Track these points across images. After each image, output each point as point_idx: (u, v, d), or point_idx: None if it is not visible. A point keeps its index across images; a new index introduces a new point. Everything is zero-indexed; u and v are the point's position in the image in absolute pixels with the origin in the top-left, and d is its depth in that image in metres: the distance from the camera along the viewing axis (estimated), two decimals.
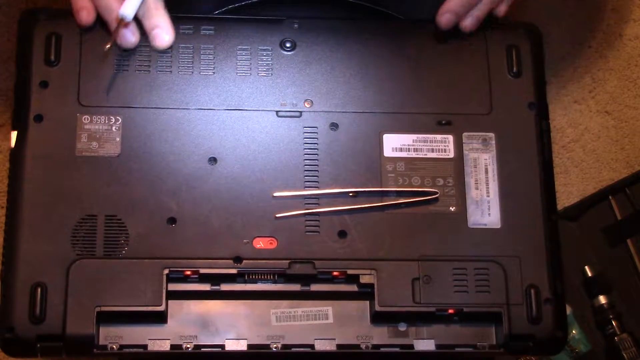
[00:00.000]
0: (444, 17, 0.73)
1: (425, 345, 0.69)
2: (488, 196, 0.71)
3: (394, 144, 0.72)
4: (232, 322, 0.69)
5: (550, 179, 0.73)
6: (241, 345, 0.68)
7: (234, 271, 0.68)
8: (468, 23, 0.74)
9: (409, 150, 0.72)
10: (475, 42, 0.74)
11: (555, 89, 1.13)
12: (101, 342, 0.67)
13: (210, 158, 0.70)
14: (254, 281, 0.69)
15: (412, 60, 0.74)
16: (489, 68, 0.74)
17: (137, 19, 0.70)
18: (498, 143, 0.72)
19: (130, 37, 0.71)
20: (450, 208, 0.71)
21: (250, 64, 0.72)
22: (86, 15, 0.70)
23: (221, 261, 0.68)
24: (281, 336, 0.68)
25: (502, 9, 0.76)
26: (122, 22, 0.69)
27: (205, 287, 0.68)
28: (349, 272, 0.69)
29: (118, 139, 0.70)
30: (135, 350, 0.67)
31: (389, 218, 0.70)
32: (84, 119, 0.70)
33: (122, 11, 0.68)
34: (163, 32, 0.71)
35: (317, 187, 0.70)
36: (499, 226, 0.71)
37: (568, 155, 1.14)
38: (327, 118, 0.72)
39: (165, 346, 0.67)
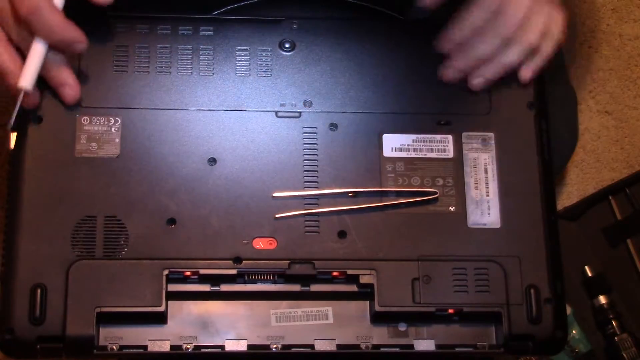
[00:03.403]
0: (448, 72, 0.73)
1: (425, 345, 0.69)
2: (488, 196, 0.71)
3: (394, 144, 0.72)
4: (232, 323, 0.69)
5: (550, 179, 0.73)
6: (241, 346, 0.68)
7: (233, 272, 0.68)
8: (476, 83, 0.73)
9: (408, 150, 0.72)
10: None
11: None
12: (101, 342, 0.67)
13: (209, 159, 0.70)
14: (254, 282, 0.69)
15: (411, 60, 0.74)
16: None
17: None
18: (497, 143, 0.72)
19: (35, 101, 0.69)
20: (450, 208, 0.71)
21: (250, 64, 0.72)
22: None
23: (221, 262, 0.68)
24: (281, 336, 0.68)
25: (525, 75, 0.74)
26: (24, 94, 0.66)
27: (205, 287, 0.68)
28: (349, 272, 0.69)
29: (117, 140, 0.70)
30: (135, 351, 0.67)
31: (388, 218, 0.70)
32: (83, 120, 0.70)
33: (22, 84, 0.66)
34: (69, 89, 0.69)
35: (317, 188, 0.70)
36: (498, 226, 0.71)
37: None
38: (326, 118, 0.72)
39: (165, 347, 0.67)
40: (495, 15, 0.71)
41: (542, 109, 0.74)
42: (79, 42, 0.67)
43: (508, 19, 0.71)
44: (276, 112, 0.72)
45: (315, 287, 0.69)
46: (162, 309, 0.67)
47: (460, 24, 0.72)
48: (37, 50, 0.66)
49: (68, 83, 0.69)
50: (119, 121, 0.70)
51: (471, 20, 0.72)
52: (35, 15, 0.64)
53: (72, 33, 0.66)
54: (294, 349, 0.68)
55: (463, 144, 0.72)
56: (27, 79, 0.66)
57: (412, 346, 0.69)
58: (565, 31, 0.75)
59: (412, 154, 0.72)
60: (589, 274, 1.09)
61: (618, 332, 1.05)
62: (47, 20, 0.65)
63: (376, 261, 0.69)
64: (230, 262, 0.68)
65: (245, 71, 0.72)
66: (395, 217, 0.70)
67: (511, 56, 0.72)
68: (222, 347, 0.68)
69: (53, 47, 0.67)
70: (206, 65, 0.72)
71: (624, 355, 1.04)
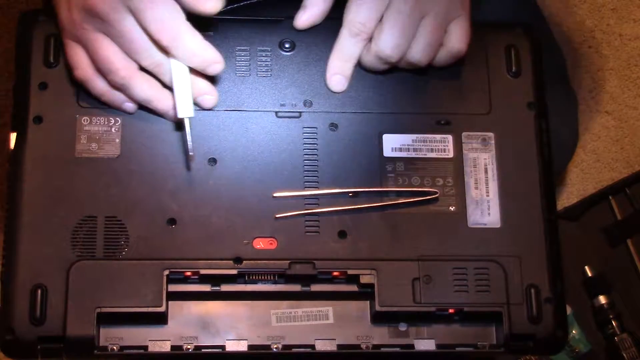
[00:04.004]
0: (333, 80, 0.72)
1: (425, 345, 0.69)
2: (488, 196, 0.71)
3: (394, 144, 0.72)
4: (232, 323, 0.69)
5: (550, 179, 0.73)
6: (242, 346, 0.68)
7: (234, 272, 0.68)
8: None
9: (408, 150, 0.72)
10: (474, 42, 0.74)
11: None
12: (102, 343, 0.67)
13: (210, 159, 0.70)
14: (254, 282, 0.69)
15: None
16: (488, 68, 0.74)
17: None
18: (497, 143, 0.72)
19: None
20: (450, 208, 0.71)
21: (250, 64, 0.72)
22: (132, 108, 0.70)
23: (221, 262, 0.68)
24: (281, 337, 0.68)
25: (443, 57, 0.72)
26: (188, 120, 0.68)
27: (206, 287, 0.68)
28: (349, 272, 0.68)
29: (117, 140, 0.70)
30: (135, 351, 0.67)
31: (388, 218, 0.70)
32: (84, 120, 0.70)
33: (183, 114, 0.67)
34: (208, 96, 0.70)
35: (317, 188, 0.70)
36: (498, 226, 0.71)
37: None
38: (326, 118, 0.72)
39: (165, 347, 0.67)
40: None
41: (542, 109, 0.74)
42: (218, 62, 0.67)
43: (381, 42, 0.69)
44: (276, 112, 0.72)
45: (315, 287, 0.69)
46: (162, 309, 0.67)
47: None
48: (183, 76, 0.67)
49: (206, 92, 0.70)
50: (119, 121, 0.70)
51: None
52: (178, 42, 0.66)
53: (211, 54, 0.67)
54: (294, 349, 0.68)
55: (463, 144, 0.72)
56: (186, 108, 0.67)
57: (412, 346, 0.69)
58: (467, 40, 0.72)
59: (412, 154, 0.72)
60: (589, 274, 1.09)
61: (618, 332, 1.06)
62: (189, 46, 0.66)
63: (376, 261, 0.69)
64: (231, 262, 0.68)
65: (245, 71, 0.72)
66: (395, 217, 0.70)
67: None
68: (223, 347, 0.68)
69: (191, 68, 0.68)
70: None
71: (624, 355, 1.05)
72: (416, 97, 0.73)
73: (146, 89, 0.68)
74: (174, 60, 0.67)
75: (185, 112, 0.67)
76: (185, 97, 0.67)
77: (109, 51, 0.67)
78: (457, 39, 0.71)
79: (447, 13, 0.70)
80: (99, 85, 0.69)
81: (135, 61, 0.67)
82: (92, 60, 0.68)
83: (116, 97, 0.69)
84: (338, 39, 0.71)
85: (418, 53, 0.70)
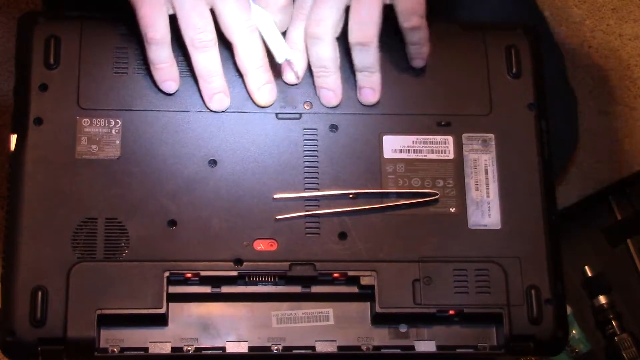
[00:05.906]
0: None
1: (426, 346, 0.69)
2: (488, 197, 0.71)
3: (394, 145, 0.72)
4: (232, 325, 0.69)
5: (550, 179, 0.73)
6: (242, 348, 0.68)
7: (234, 273, 0.68)
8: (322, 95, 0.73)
9: (408, 152, 0.72)
10: (474, 43, 0.74)
11: None
12: (102, 345, 0.67)
13: (210, 160, 0.70)
14: (255, 283, 0.69)
15: None
16: (488, 69, 0.74)
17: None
18: (498, 144, 0.72)
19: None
20: (451, 209, 0.71)
21: None
22: (174, 87, 0.71)
23: (221, 263, 0.68)
24: (282, 338, 0.68)
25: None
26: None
27: (206, 289, 0.68)
28: (350, 273, 0.69)
29: (118, 142, 0.70)
30: (136, 353, 0.67)
31: (389, 219, 0.70)
32: (84, 121, 0.70)
33: (281, 59, 0.69)
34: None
35: (317, 189, 0.70)
36: (499, 227, 0.71)
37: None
38: (326, 120, 0.72)
39: (166, 349, 0.67)
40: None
41: (542, 110, 0.74)
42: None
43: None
44: (276, 114, 0.71)
45: (316, 289, 0.69)
46: (162, 310, 0.67)
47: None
48: (271, 27, 0.69)
49: (269, 81, 0.71)
50: (120, 123, 0.70)
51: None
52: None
53: None
54: (295, 351, 0.68)
55: (463, 145, 0.72)
56: (283, 51, 0.69)
57: (412, 347, 0.69)
58: (414, 11, 0.69)
59: (413, 155, 0.72)
60: (589, 274, 1.09)
61: (618, 332, 1.06)
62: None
63: (377, 262, 0.69)
64: (231, 263, 0.68)
65: None
66: (395, 218, 0.70)
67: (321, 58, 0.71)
68: (223, 348, 0.68)
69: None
70: None
71: (624, 355, 1.05)
72: (416, 98, 0.73)
73: (215, 63, 0.69)
74: (262, 16, 0.69)
75: (284, 55, 0.69)
76: (279, 43, 0.69)
77: (203, 16, 0.68)
78: (402, 15, 0.70)
79: None
80: (164, 53, 0.69)
81: (230, 32, 0.68)
82: (181, 22, 0.68)
83: (169, 70, 0.70)
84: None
85: (353, 33, 0.69)
